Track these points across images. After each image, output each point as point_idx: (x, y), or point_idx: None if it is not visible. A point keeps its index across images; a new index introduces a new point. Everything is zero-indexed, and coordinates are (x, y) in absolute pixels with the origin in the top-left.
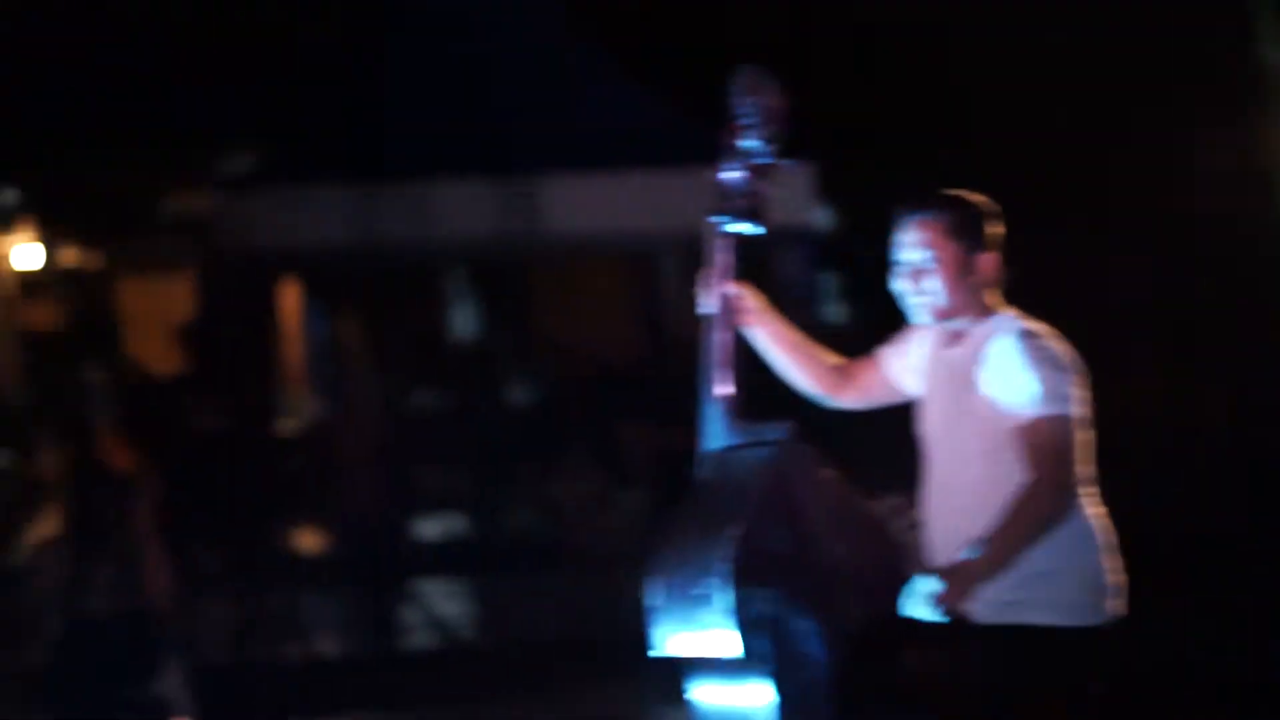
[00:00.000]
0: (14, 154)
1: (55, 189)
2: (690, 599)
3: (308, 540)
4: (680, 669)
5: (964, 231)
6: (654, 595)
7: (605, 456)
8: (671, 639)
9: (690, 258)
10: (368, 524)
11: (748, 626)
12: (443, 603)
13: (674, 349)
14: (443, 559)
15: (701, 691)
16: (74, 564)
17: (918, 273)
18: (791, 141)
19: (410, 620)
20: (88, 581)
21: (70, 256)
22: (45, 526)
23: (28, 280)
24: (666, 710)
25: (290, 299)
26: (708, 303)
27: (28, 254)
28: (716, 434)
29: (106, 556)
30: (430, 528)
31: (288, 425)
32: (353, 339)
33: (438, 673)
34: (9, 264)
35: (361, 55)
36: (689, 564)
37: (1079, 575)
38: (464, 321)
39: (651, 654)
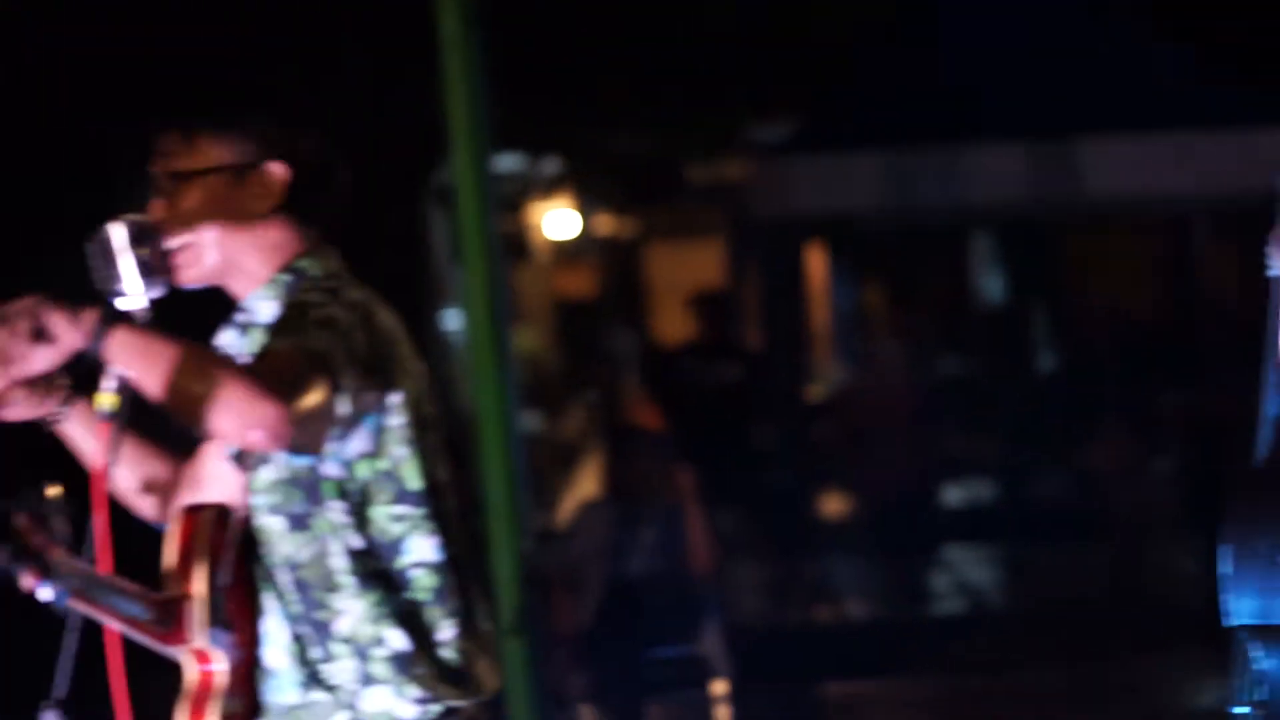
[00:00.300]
0: (551, 124)
1: (591, 158)
2: (1272, 566)
3: (836, 505)
4: (1255, 639)
5: None
6: (1228, 563)
7: (1140, 424)
8: (1248, 608)
9: (1224, 221)
10: (895, 490)
11: None
12: (971, 569)
13: (1209, 314)
14: (971, 525)
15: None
16: (615, 526)
17: None
18: None
19: (939, 586)
20: (629, 543)
21: (603, 224)
22: (585, 488)
23: (562, 248)
24: (1209, 681)
25: (818, 265)
26: (1276, 264)
27: (563, 222)
28: None
29: (648, 519)
30: (958, 494)
31: (815, 391)
32: (880, 305)
33: (966, 639)
34: (545, 232)
35: (901, 21)
36: (1267, 531)
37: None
38: (993, 287)
39: (1226, 624)
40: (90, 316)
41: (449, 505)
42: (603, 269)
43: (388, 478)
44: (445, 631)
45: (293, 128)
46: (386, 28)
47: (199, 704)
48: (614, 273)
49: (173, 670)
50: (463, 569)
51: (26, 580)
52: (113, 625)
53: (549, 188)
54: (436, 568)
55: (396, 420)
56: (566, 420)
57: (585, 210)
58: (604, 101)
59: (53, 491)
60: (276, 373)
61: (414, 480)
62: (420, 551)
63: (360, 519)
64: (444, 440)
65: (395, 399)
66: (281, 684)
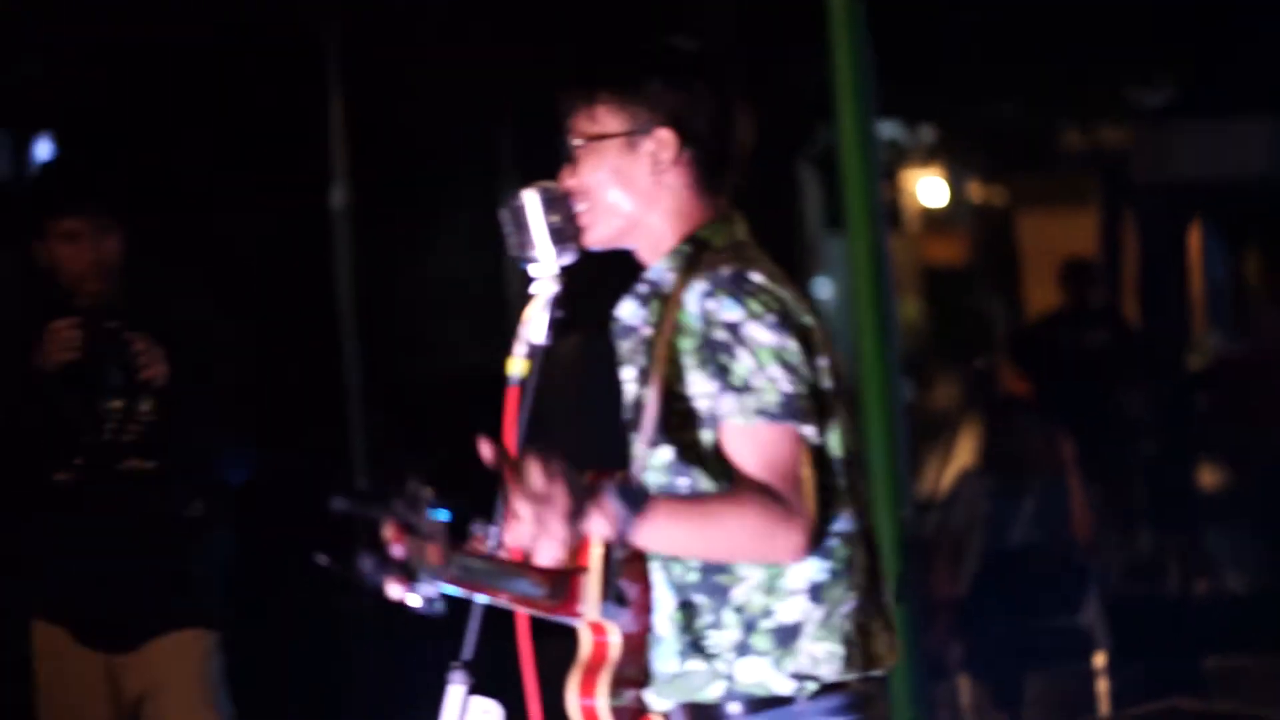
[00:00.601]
0: (924, 92)
1: (964, 126)
2: None
3: (1214, 476)
4: None
5: None
6: None
7: None
8: None
9: None
10: (1275, 460)
11: None
12: None
13: None
14: None
15: None
16: (995, 496)
17: None
18: None
19: None
20: (1009, 514)
21: (975, 192)
22: (963, 457)
23: (933, 216)
24: None
25: (1195, 232)
26: None
27: (934, 190)
28: None
29: (1028, 489)
30: None
31: (1194, 360)
32: (1261, 273)
33: None
34: (917, 200)
35: None
36: None
37: None
38: None
39: None
40: (610, 503)
41: (861, 475)
42: (974, 237)
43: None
44: (845, 604)
45: (690, 93)
46: None
47: (591, 673)
48: (985, 241)
49: (570, 635)
50: (872, 541)
51: (393, 588)
52: (502, 604)
53: (922, 156)
54: (849, 538)
55: (825, 384)
56: (937, 389)
57: (957, 178)
58: (979, 68)
59: (420, 489)
60: (784, 475)
61: (835, 449)
62: (836, 522)
63: None
64: (851, 404)
65: (823, 365)
66: (664, 652)
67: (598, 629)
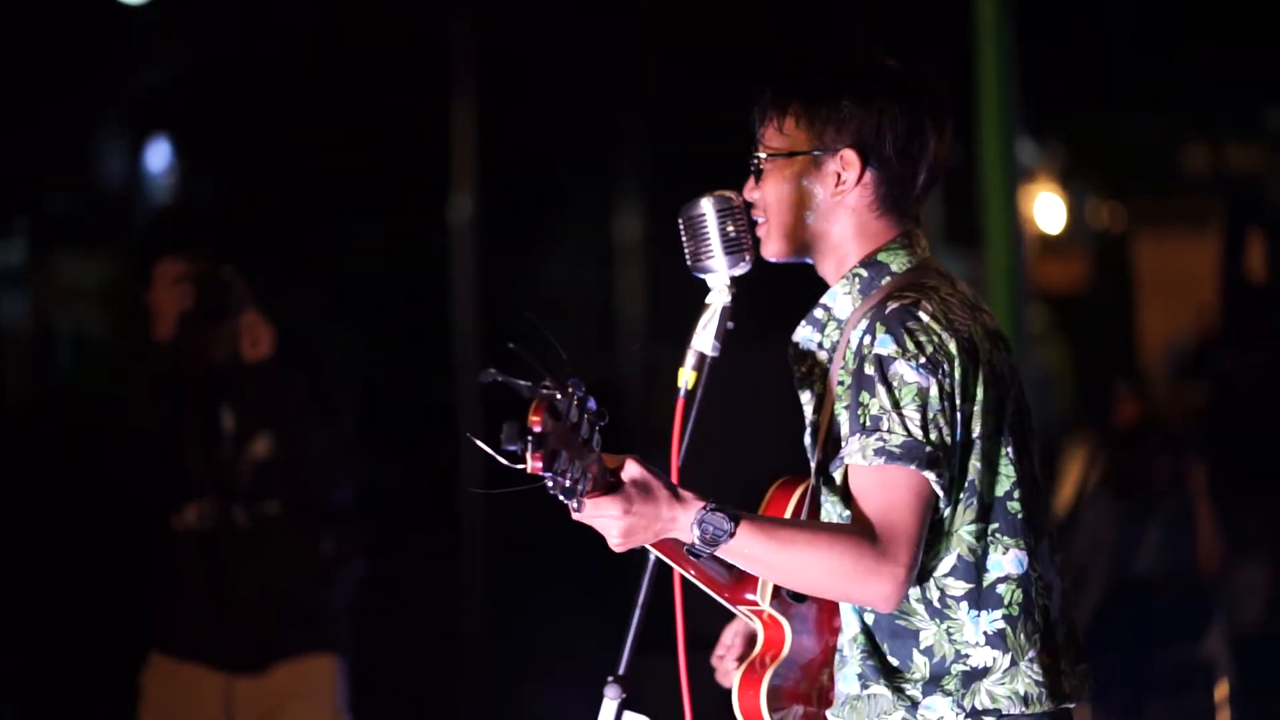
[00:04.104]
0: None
1: (1086, 144)
2: None
3: None
4: None
5: None
6: None
7: None
8: None
9: None
10: None
11: None
12: None
13: None
14: None
15: None
16: (1121, 522)
17: None
18: None
19: None
20: (1135, 540)
21: (1095, 212)
22: (1091, 483)
23: (1051, 235)
24: None
25: None
26: None
27: (1052, 209)
28: None
29: (1155, 516)
30: None
31: None
32: None
33: None
34: (1034, 219)
35: None
36: None
37: None
38: None
39: None
40: (699, 517)
41: (1037, 511)
42: (1093, 258)
43: (968, 492)
44: (1030, 650)
45: (879, 114)
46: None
47: (754, 669)
48: (1103, 263)
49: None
50: (1047, 579)
51: (534, 462)
52: (677, 567)
53: (1041, 174)
54: (1020, 580)
55: (976, 431)
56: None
57: (1076, 198)
58: (1104, 86)
59: (572, 379)
60: (891, 521)
61: (999, 488)
62: (1000, 568)
63: (937, 536)
64: (1030, 431)
65: (975, 409)
66: (848, 674)
67: (770, 625)
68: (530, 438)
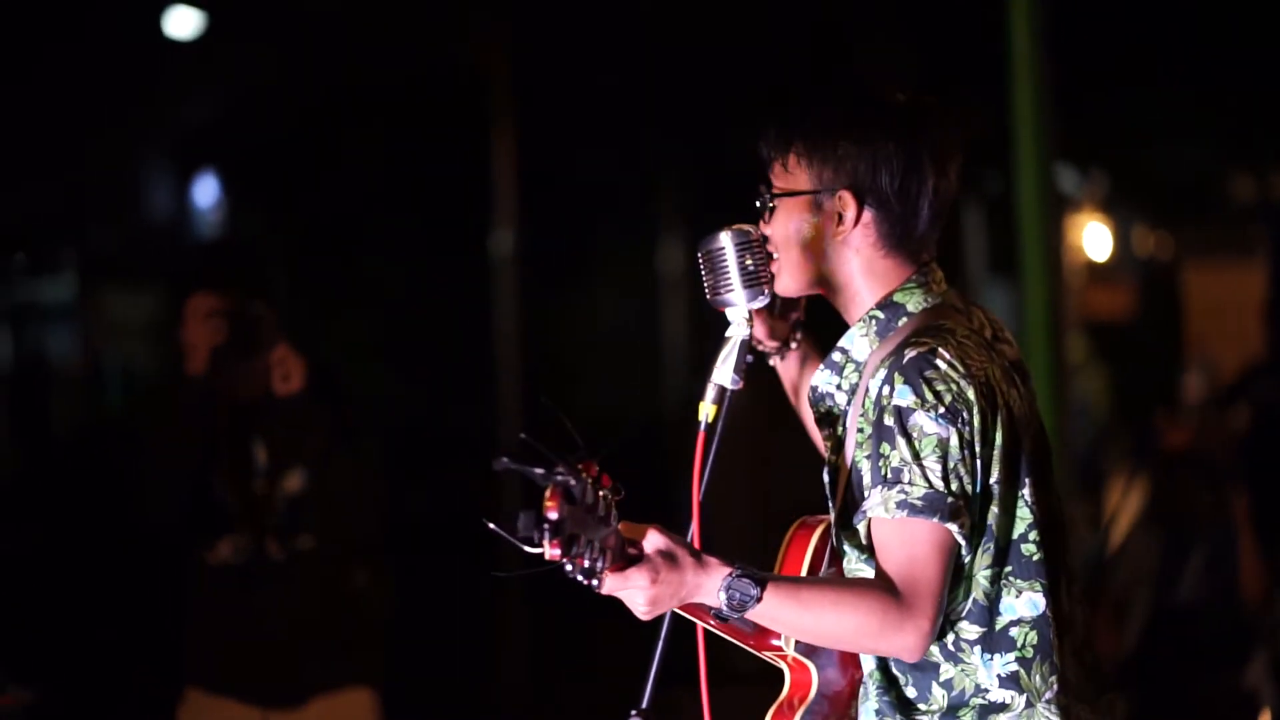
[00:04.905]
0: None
1: (1131, 173)
2: None
3: None
4: None
5: None
6: None
7: None
8: None
9: None
10: None
11: None
12: None
13: None
14: None
15: None
16: (1163, 551)
17: None
18: None
19: None
20: (1177, 569)
21: (1141, 240)
22: (1131, 511)
23: (1097, 264)
24: None
25: None
26: None
27: (1099, 237)
28: None
29: (1198, 544)
30: None
31: None
32: None
33: None
34: (1081, 247)
35: None
36: None
37: None
38: None
39: None
40: (726, 583)
41: (1054, 549)
42: (1139, 287)
43: (986, 536)
44: (1048, 691)
45: (874, 153)
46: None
47: (784, 711)
48: (1151, 291)
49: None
50: (1068, 615)
51: (549, 550)
52: (700, 622)
53: (1086, 203)
54: (1035, 622)
55: (994, 476)
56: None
57: (1122, 227)
58: (1148, 115)
59: (584, 460)
60: (914, 575)
61: (1015, 530)
62: (1014, 610)
63: (956, 581)
64: (1048, 468)
65: (994, 453)
66: (867, 708)
67: (797, 667)
68: (547, 525)
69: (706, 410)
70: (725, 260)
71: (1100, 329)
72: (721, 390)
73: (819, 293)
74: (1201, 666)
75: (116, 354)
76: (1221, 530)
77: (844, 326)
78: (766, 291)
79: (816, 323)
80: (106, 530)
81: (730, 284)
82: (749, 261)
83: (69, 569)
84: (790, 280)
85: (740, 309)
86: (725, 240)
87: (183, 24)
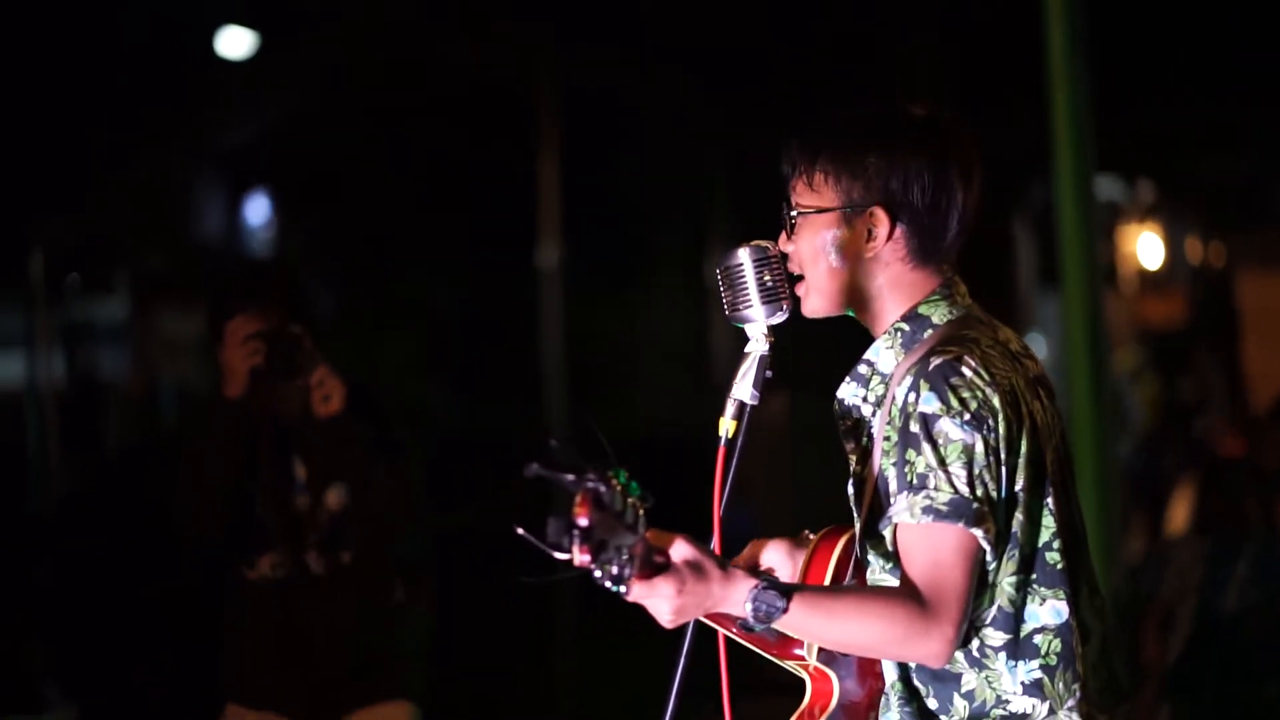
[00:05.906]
0: (1141, 147)
1: (1181, 182)
2: None
3: None
4: None
5: None
6: None
7: None
8: None
9: None
10: None
11: None
12: None
13: None
14: None
15: None
16: (1209, 560)
17: None
18: None
19: None
20: (1223, 578)
21: (1192, 249)
22: (1176, 521)
23: (1149, 274)
24: None
25: None
26: None
27: (1150, 247)
28: None
29: (1243, 553)
30: None
31: None
32: None
33: None
34: (1133, 258)
35: None
36: None
37: None
38: None
39: None
40: (752, 595)
41: (1076, 559)
42: (1191, 296)
43: (1011, 544)
44: (1070, 700)
45: (905, 168)
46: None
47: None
48: (1203, 300)
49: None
50: (1086, 626)
51: (578, 557)
52: (723, 630)
53: (1139, 213)
54: (1059, 630)
55: (1019, 484)
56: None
57: (1174, 236)
58: (1196, 124)
59: (616, 467)
60: (939, 581)
61: (1039, 539)
62: (1038, 618)
63: (981, 588)
64: (1071, 479)
65: (1019, 461)
66: (888, 717)
67: (818, 677)
68: (576, 531)
69: (727, 425)
70: (744, 277)
71: (1153, 337)
72: (741, 406)
73: (846, 312)
74: (1248, 675)
75: (170, 373)
76: (1269, 539)
77: (853, 347)
78: (785, 307)
79: (825, 335)
80: (159, 548)
81: (749, 300)
82: (767, 278)
83: (122, 587)
84: (820, 300)
85: (759, 325)
86: (743, 257)
87: (235, 44)
